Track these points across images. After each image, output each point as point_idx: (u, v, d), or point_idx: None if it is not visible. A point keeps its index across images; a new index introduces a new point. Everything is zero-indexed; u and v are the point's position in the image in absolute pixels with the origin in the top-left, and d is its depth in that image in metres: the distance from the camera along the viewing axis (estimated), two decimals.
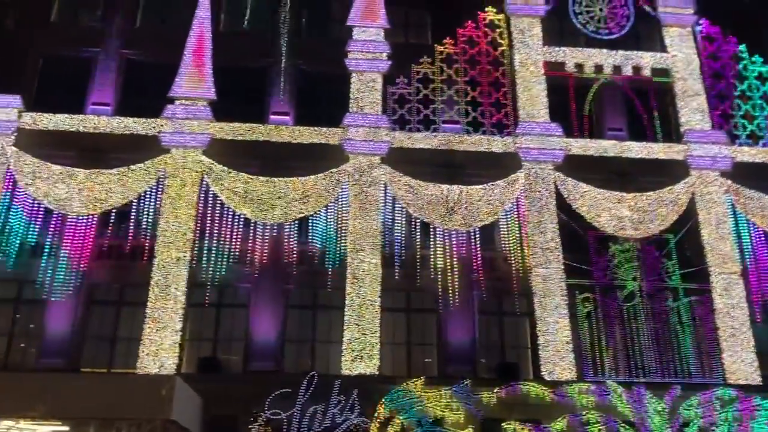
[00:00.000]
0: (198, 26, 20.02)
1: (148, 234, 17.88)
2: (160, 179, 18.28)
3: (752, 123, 20.45)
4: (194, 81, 19.25)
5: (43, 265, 17.29)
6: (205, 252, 17.83)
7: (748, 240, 18.95)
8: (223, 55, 19.95)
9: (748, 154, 19.87)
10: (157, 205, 18.06)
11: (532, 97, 20.11)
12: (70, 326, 17.49)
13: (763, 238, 19.02)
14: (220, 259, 17.80)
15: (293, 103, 20.45)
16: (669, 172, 19.68)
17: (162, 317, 16.98)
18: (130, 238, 17.87)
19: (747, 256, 18.78)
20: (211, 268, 17.69)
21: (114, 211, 17.96)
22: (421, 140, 19.39)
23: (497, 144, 19.51)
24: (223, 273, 17.72)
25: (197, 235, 17.94)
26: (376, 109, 19.58)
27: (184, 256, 17.61)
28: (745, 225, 19.08)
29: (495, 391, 16.35)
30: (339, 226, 18.36)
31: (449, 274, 18.15)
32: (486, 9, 21.15)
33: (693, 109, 20.40)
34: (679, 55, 21.10)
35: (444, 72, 20.37)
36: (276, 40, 20.84)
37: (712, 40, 21.38)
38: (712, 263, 18.60)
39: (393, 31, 21.09)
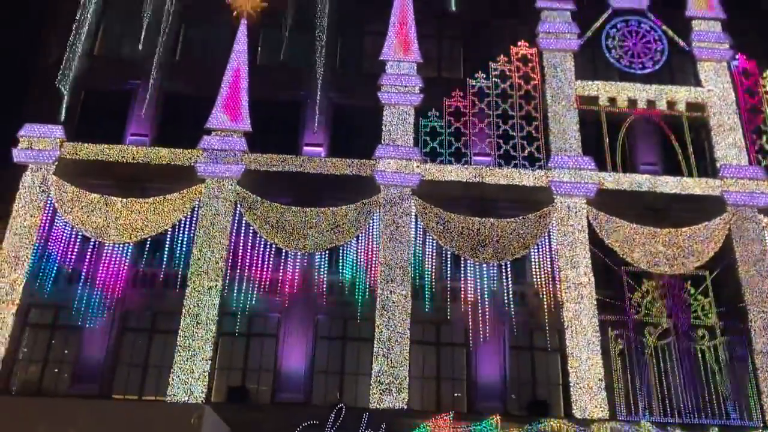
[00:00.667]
0: (235, 59, 20.53)
1: (182, 262, 18.12)
2: (195, 209, 18.60)
3: None
4: (230, 113, 19.66)
5: (79, 291, 17.62)
6: (236, 281, 18.01)
7: None
8: (259, 88, 20.39)
9: None
10: (191, 234, 18.34)
11: (564, 131, 20.08)
12: (104, 353, 17.71)
13: None
14: (250, 289, 17.95)
15: (326, 135, 20.71)
16: (704, 208, 19.37)
17: (193, 345, 17.12)
18: (164, 266, 18.13)
19: None
20: (242, 297, 17.83)
21: (149, 239, 18.27)
22: (453, 172, 19.45)
23: (529, 177, 19.47)
24: (254, 302, 17.84)
25: (229, 264, 18.13)
26: (407, 142, 19.74)
27: (216, 285, 17.81)
28: None
29: (525, 428, 16.06)
30: (369, 256, 18.41)
31: (480, 307, 18.02)
32: (518, 43, 21.28)
33: (729, 144, 20.14)
34: (715, 89, 20.91)
35: (476, 105, 20.47)
36: (311, 74, 21.23)
37: (749, 74, 21.17)
38: (751, 302, 18.15)
39: (425, 65, 21.35)
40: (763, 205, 19.19)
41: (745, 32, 22.16)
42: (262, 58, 22.05)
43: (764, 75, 21.10)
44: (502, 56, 21.10)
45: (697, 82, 21.26)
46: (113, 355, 17.86)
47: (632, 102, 20.74)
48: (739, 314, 18.17)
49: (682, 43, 21.65)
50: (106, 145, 19.36)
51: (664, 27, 21.79)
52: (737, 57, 21.38)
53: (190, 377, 16.80)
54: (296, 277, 18.11)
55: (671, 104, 20.77)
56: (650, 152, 21.00)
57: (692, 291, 18.41)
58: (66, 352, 18.17)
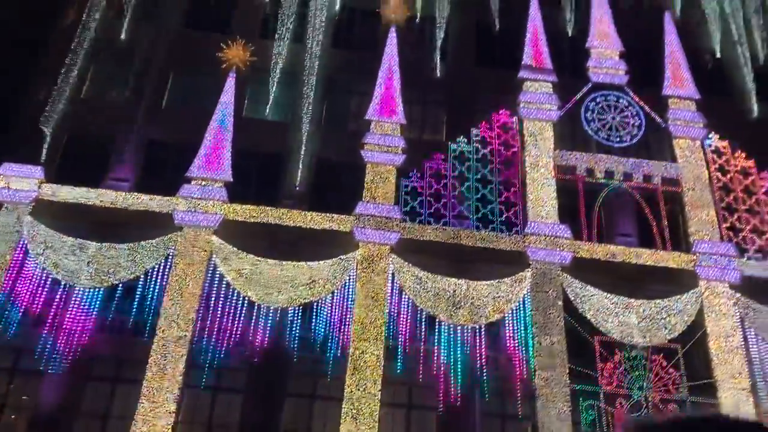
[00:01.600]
0: (221, 110, 20.74)
1: (152, 311, 17.82)
2: (169, 256, 18.41)
3: (761, 238, 20.52)
4: (212, 163, 19.74)
5: (44, 335, 17.18)
6: (206, 333, 17.70)
7: (757, 355, 18.61)
8: (243, 139, 20.56)
9: (756, 268, 19.80)
10: (164, 283, 18.09)
11: (542, 198, 20.39)
12: (63, 400, 17.15)
13: None
14: (220, 341, 17.64)
15: (307, 190, 20.84)
16: (678, 281, 19.59)
17: (157, 397, 16.66)
18: (133, 313, 17.80)
19: (756, 373, 18.38)
20: (210, 350, 17.50)
21: (120, 285, 17.99)
22: (431, 232, 19.56)
23: (505, 242, 19.63)
24: (222, 356, 17.50)
25: (200, 315, 17.86)
26: (388, 200, 19.89)
27: (186, 336, 17.47)
28: (755, 340, 18.78)
29: None
30: (343, 314, 18.25)
31: (452, 370, 17.84)
32: (500, 111, 21.80)
33: (702, 220, 20.56)
34: (689, 166, 21.49)
35: (456, 168, 20.78)
36: (295, 129, 21.53)
37: (721, 153, 21.81)
38: (721, 377, 18.20)
39: (409, 127, 21.73)
40: (734, 281, 19.45)
41: (718, 113, 22.95)
42: (248, 111, 22.35)
43: (735, 155, 21.75)
44: (483, 122, 21.56)
45: (673, 158, 21.84)
46: (74, 403, 17.30)
47: (609, 173, 21.20)
48: (710, 389, 18.16)
49: (658, 119, 22.34)
50: (85, 189, 19.24)
51: (641, 103, 22.51)
52: (711, 136, 22.05)
53: (152, 430, 16.27)
54: (267, 332, 17.85)
55: (647, 178, 21.26)
56: (626, 223, 21.38)
57: (664, 364, 18.43)
58: (25, 397, 17.56)
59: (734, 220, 20.72)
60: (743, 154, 21.73)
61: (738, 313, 19.05)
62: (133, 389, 17.03)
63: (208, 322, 17.82)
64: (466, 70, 24.15)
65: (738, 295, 19.28)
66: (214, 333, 17.71)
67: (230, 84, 21.23)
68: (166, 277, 18.17)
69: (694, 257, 19.81)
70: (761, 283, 19.62)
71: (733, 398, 17.90)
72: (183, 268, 18.28)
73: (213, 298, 18.08)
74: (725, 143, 21.92)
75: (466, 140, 21.19)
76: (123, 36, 22.89)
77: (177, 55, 22.81)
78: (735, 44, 25.52)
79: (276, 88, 22.34)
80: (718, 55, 25.38)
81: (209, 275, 18.32)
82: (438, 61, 23.87)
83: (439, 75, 23.66)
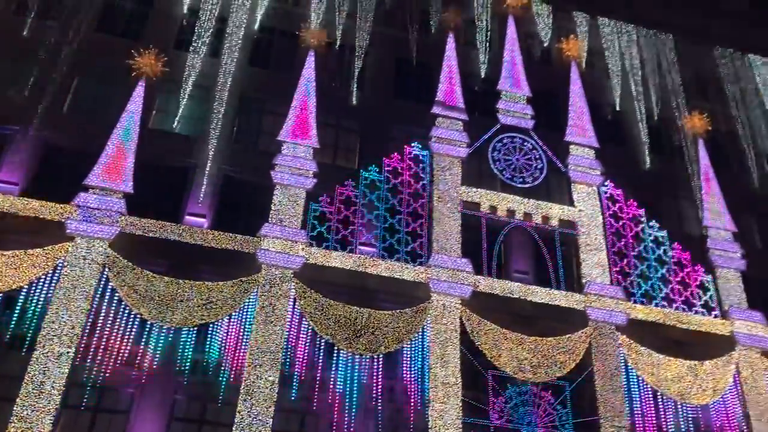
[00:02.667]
0: (127, 119, 19.96)
1: (33, 324, 16.71)
2: (58, 267, 17.38)
3: (647, 283, 21.72)
4: (112, 172, 18.91)
5: None
6: (91, 350, 16.76)
7: (638, 396, 19.55)
8: (148, 151, 19.87)
9: (642, 312, 20.90)
10: (49, 294, 17.04)
11: (446, 232, 20.79)
12: None
13: (650, 396, 19.69)
14: (106, 359, 16.75)
15: (212, 207, 20.33)
16: (570, 320, 20.37)
17: (31, 417, 15.56)
18: (11, 325, 16.64)
19: (635, 411, 19.28)
20: (94, 368, 16.57)
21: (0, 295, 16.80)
22: (337, 259, 19.46)
23: (409, 272, 19.81)
24: (107, 374, 16.61)
25: (86, 331, 16.90)
26: (295, 224, 19.66)
27: (68, 352, 16.47)
28: (636, 380, 19.74)
29: None
30: (240, 337, 17.78)
31: (348, 400, 17.69)
32: (412, 143, 22.17)
33: (594, 262, 21.56)
34: (585, 210, 22.55)
35: (366, 196, 20.87)
36: (203, 144, 21.03)
37: (615, 201, 23.06)
38: (603, 415, 18.96)
39: (322, 151, 21.70)
40: (620, 323, 20.43)
41: (614, 162, 24.35)
42: (155, 122, 21.67)
43: (628, 203, 23.04)
44: (395, 153, 21.85)
45: (570, 202, 22.87)
46: None
47: (511, 212, 21.92)
48: (594, 427, 18.87)
49: (559, 164, 23.39)
50: None
51: (544, 147, 23.50)
52: (607, 183, 23.28)
53: None
54: (158, 352, 17.11)
55: (545, 219, 22.13)
56: (524, 261, 22.09)
57: (552, 400, 19.02)
58: None
59: (624, 265, 21.85)
60: (635, 203, 23.05)
61: (622, 354, 19.99)
62: (6, 407, 15.80)
63: (95, 339, 16.91)
64: (382, 100, 24.47)
65: (623, 336, 20.25)
66: (101, 350, 16.82)
67: (139, 93, 20.51)
68: (52, 288, 17.12)
69: (586, 298, 20.69)
70: (646, 326, 20.72)
71: None
72: (72, 280, 17.31)
73: (102, 314, 17.18)
74: (619, 191, 23.19)
75: (377, 169, 21.37)
76: (26, 33, 21.73)
77: (84, 59, 21.84)
78: (633, 99, 27.20)
79: (187, 101, 21.80)
80: (618, 108, 26.94)
81: (100, 289, 17.42)
82: (355, 89, 24.08)
83: (355, 103, 23.85)
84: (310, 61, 22.80)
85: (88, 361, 16.72)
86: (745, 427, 20.01)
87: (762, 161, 27.63)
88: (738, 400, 20.39)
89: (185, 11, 24.05)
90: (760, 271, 24.35)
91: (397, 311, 18.97)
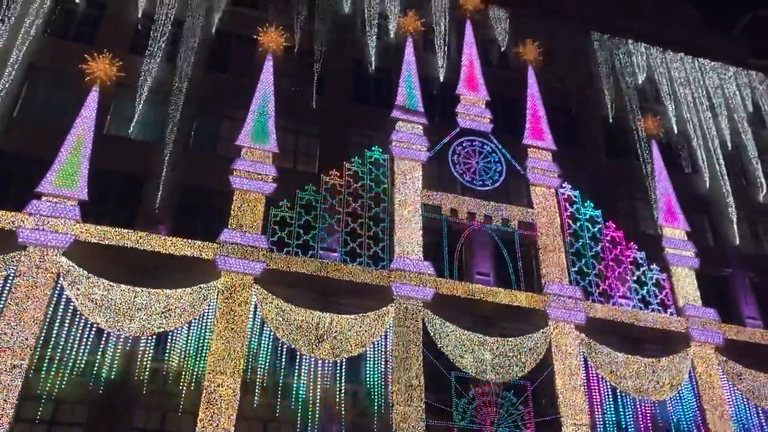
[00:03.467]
0: (80, 125, 19.50)
1: None
2: (9, 277, 16.89)
3: (604, 282, 22.13)
4: (66, 179, 18.45)
5: None
6: (45, 361, 16.32)
7: (597, 393, 19.88)
8: (103, 157, 19.46)
9: (600, 311, 21.28)
10: (0, 305, 16.53)
11: (408, 235, 20.85)
12: None
13: (611, 393, 20.04)
14: (61, 371, 16.34)
15: (170, 213, 20.02)
16: (531, 320, 20.62)
17: None
18: None
19: (596, 409, 19.59)
20: (49, 380, 16.14)
21: None
22: (298, 264, 19.33)
23: (371, 276, 19.79)
24: (63, 386, 16.19)
25: (40, 342, 16.45)
26: (255, 229, 19.47)
27: (22, 364, 16.00)
28: (595, 378, 20.07)
29: None
30: (200, 345, 17.52)
31: (311, 405, 17.58)
32: (372, 147, 22.19)
33: (553, 263, 21.87)
34: (543, 212, 22.87)
35: (327, 201, 20.80)
36: (160, 150, 20.71)
37: (573, 202, 23.44)
38: (564, 413, 19.22)
39: (281, 156, 21.56)
40: (579, 322, 20.76)
41: (571, 164, 24.79)
42: (111, 128, 21.26)
43: (585, 204, 23.45)
44: (356, 157, 21.84)
45: (529, 204, 23.18)
46: None
47: (471, 215, 22.10)
48: (555, 425, 19.12)
49: (518, 167, 23.69)
50: None
51: (503, 150, 23.78)
52: (564, 185, 23.66)
53: None
54: (116, 362, 16.74)
55: (505, 221, 22.38)
56: (485, 263, 22.30)
57: (514, 400, 19.21)
58: None
59: (582, 265, 22.22)
60: (592, 204, 23.47)
61: (582, 353, 20.31)
62: None
63: (49, 350, 16.47)
64: (342, 104, 24.47)
65: (582, 335, 20.59)
66: (56, 361, 16.39)
67: (93, 98, 20.05)
68: (4, 299, 16.62)
69: (545, 298, 20.97)
70: (604, 324, 21.10)
71: None
72: (25, 290, 16.83)
73: (57, 324, 16.74)
74: (576, 192, 23.59)
75: (338, 173, 21.32)
76: None
77: (35, 62, 21.33)
78: (588, 102, 27.75)
79: (143, 106, 21.45)
80: (574, 111, 27.44)
81: (54, 299, 16.97)
82: (314, 93, 24.02)
83: (314, 107, 23.78)
84: (269, 65, 22.65)
85: (43, 372, 16.26)
86: (700, 421, 20.51)
87: (713, 162, 28.44)
88: (693, 395, 20.90)
89: (139, 15, 23.68)
90: (713, 269, 25.09)
91: (360, 315, 18.94)
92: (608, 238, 23.00)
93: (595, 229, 23.04)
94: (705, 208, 27.25)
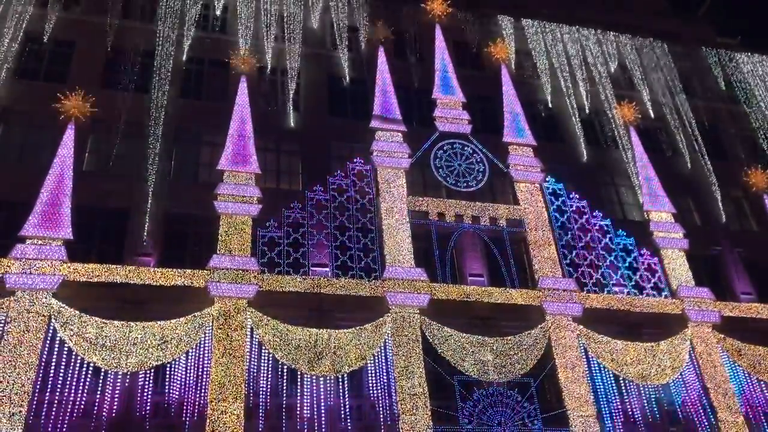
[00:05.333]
0: (59, 165, 19.36)
1: None
2: (0, 323, 16.67)
3: (597, 272, 22.21)
4: (49, 220, 18.29)
5: None
6: (45, 405, 16.11)
7: (600, 383, 19.91)
8: (84, 195, 19.33)
9: (595, 300, 21.34)
10: None
11: (398, 243, 20.84)
12: None
13: (613, 381, 20.08)
14: (62, 414, 16.13)
15: (157, 245, 19.89)
16: (528, 317, 20.63)
17: None
18: None
19: (600, 399, 19.62)
20: (50, 425, 15.93)
21: None
22: (290, 283, 19.23)
23: (365, 288, 19.73)
24: (65, 430, 15.98)
25: (38, 386, 16.24)
26: (244, 252, 19.37)
27: (21, 411, 15.78)
28: (597, 368, 20.10)
29: None
30: (199, 374, 17.37)
31: (316, 423, 17.46)
32: (354, 159, 22.20)
33: (545, 257, 21.94)
34: (530, 208, 22.96)
35: (314, 217, 20.75)
36: (141, 182, 20.60)
37: (558, 195, 23.55)
38: (570, 406, 19.22)
39: (264, 176, 21.52)
40: (576, 314, 20.80)
41: (553, 158, 24.92)
42: (89, 165, 21.12)
43: (570, 196, 23.56)
44: (339, 171, 21.82)
45: (515, 201, 23.26)
46: None
47: (459, 217, 22.15)
48: (562, 419, 19.10)
49: (500, 165, 23.78)
50: None
51: (484, 150, 23.88)
52: (548, 179, 23.77)
53: None
54: (116, 400, 16.56)
55: (493, 220, 22.44)
56: (477, 264, 22.31)
57: (519, 398, 19.19)
58: None
59: (573, 257, 22.29)
60: (577, 195, 23.59)
61: (581, 344, 20.34)
62: None
63: (47, 394, 16.26)
64: (319, 119, 24.48)
65: (581, 327, 20.62)
66: (55, 405, 16.18)
67: (69, 136, 19.92)
68: None
69: (540, 293, 21.00)
70: (601, 314, 21.15)
71: (582, 426, 18.93)
72: (17, 336, 16.62)
73: (53, 367, 16.54)
74: (561, 185, 23.71)
75: (322, 189, 21.29)
76: None
77: (9, 106, 21.18)
78: (564, 95, 27.94)
79: (120, 140, 21.34)
80: (551, 104, 27.62)
81: (48, 342, 16.78)
82: (291, 111, 24.02)
83: (292, 125, 23.79)
84: (243, 88, 22.63)
85: (42, 417, 16.05)
86: (705, 401, 20.58)
87: (692, 142, 28.69)
88: (696, 376, 20.97)
89: (108, 49, 23.60)
90: (703, 249, 25.26)
91: (357, 328, 18.87)
92: (597, 227, 23.11)
93: (583, 220, 23.15)
94: (689, 189, 27.46)
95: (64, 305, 17.21)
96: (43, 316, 17.02)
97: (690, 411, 20.44)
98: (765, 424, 20.92)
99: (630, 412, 19.89)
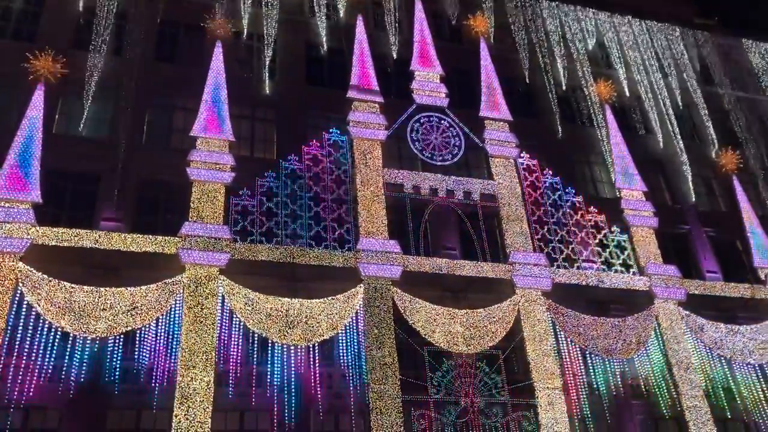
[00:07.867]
0: (27, 126, 18.94)
1: None
2: None
3: (567, 248, 22.50)
4: (18, 182, 17.95)
5: None
6: (11, 369, 15.98)
7: (567, 356, 20.31)
8: (54, 158, 18.97)
9: (565, 276, 21.66)
10: None
11: (372, 215, 20.85)
12: None
13: (579, 355, 20.50)
14: (29, 378, 16.02)
15: (128, 211, 19.65)
16: (498, 290, 20.89)
17: None
18: None
19: (567, 373, 20.03)
20: (17, 389, 15.83)
21: None
22: (263, 252, 19.16)
23: (338, 258, 19.76)
24: (31, 394, 15.89)
25: (4, 350, 16.09)
26: (217, 220, 19.23)
27: None
28: (564, 342, 20.49)
29: None
30: (169, 340, 17.34)
31: (286, 392, 17.60)
32: (330, 130, 22.05)
33: (516, 232, 22.15)
34: (504, 182, 23.09)
35: (288, 187, 20.64)
36: (112, 146, 20.25)
37: (532, 171, 23.71)
38: (537, 378, 19.61)
39: (239, 144, 21.31)
40: (545, 288, 21.11)
41: (528, 133, 25.03)
42: (60, 127, 20.69)
43: (544, 172, 23.74)
44: (314, 141, 21.68)
45: (490, 176, 23.37)
46: None
47: (434, 191, 22.21)
48: (529, 391, 19.49)
49: (476, 139, 23.82)
50: None
51: (460, 124, 23.87)
52: (523, 154, 23.89)
53: None
54: (84, 365, 16.49)
55: (467, 194, 22.54)
56: (451, 238, 22.46)
57: (487, 370, 19.51)
58: None
59: (545, 232, 22.55)
60: (551, 171, 23.78)
61: (550, 318, 20.69)
62: None
63: (14, 358, 16.12)
64: (296, 88, 24.20)
65: (549, 301, 20.95)
66: (22, 370, 16.06)
67: (38, 97, 19.46)
68: None
69: (511, 267, 21.25)
70: (570, 289, 21.49)
71: (548, 398, 19.35)
72: None
73: (20, 332, 16.38)
74: (535, 161, 23.86)
75: (297, 158, 21.15)
76: None
77: None
78: (541, 71, 27.97)
79: (92, 102, 20.90)
80: (528, 80, 27.63)
81: (15, 306, 16.58)
82: (267, 78, 23.71)
83: (268, 92, 23.49)
84: (218, 53, 22.25)
85: (9, 381, 15.93)
86: (668, 375, 21.14)
87: (665, 122, 28.99)
88: (660, 351, 21.50)
89: (80, 9, 22.97)
90: (672, 227, 25.72)
91: (330, 298, 18.94)
92: (569, 203, 23.35)
93: (555, 196, 23.37)
94: (660, 168, 27.84)
95: (31, 269, 16.98)
96: (10, 279, 16.79)
97: (653, 385, 21.00)
98: (724, 398, 21.62)
99: (595, 385, 20.37)
